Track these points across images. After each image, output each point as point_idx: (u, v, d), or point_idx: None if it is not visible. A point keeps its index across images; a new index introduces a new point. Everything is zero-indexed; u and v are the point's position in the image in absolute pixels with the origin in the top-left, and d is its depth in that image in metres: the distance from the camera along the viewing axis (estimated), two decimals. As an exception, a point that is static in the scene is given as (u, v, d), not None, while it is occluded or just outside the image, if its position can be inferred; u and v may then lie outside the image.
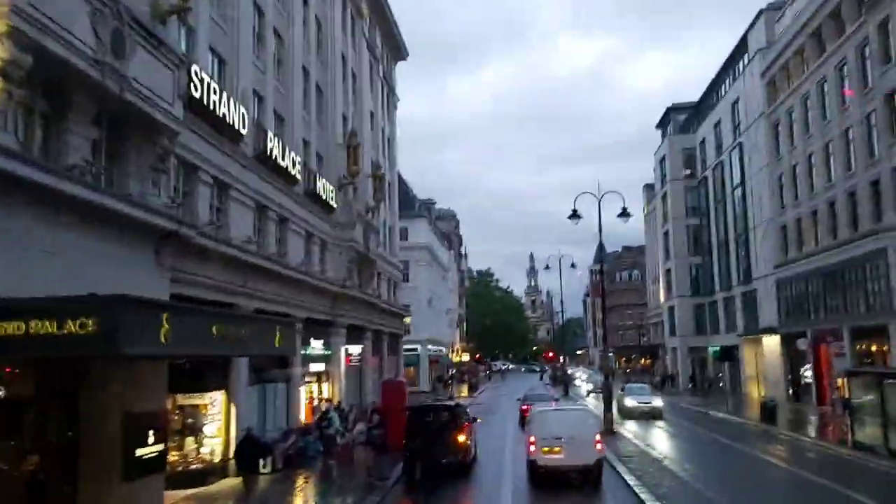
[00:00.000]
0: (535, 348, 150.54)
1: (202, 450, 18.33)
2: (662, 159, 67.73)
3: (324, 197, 27.86)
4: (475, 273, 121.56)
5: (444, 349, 69.88)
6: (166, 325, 9.29)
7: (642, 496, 16.02)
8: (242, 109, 19.90)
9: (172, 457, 17.24)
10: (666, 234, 66.55)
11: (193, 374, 17.53)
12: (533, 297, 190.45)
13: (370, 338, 34.61)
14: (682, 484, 17.62)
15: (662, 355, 72.69)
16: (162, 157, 14.15)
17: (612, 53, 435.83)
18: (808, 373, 39.29)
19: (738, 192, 51.43)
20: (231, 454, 17.49)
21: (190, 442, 18.13)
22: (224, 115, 18.58)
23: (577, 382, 68.01)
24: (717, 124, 56.42)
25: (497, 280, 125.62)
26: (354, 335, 31.66)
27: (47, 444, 11.71)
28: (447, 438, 18.98)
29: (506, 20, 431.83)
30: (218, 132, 18.77)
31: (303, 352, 24.81)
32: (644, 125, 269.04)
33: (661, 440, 26.92)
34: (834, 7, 35.41)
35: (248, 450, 15.97)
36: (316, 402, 26.66)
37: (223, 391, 18.85)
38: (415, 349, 56.71)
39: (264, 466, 18.13)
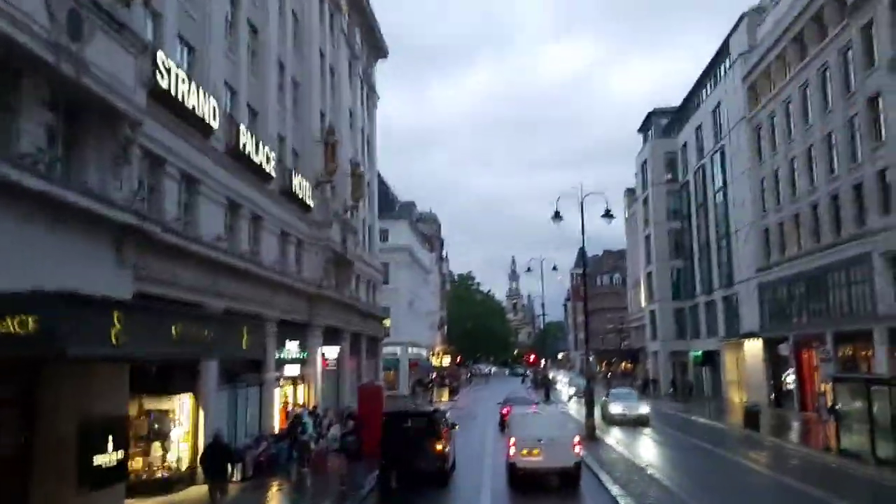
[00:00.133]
0: (516, 352, 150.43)
1: (169, 456, 17.54)
2: (644, 163, 67.65)
3: (300, 195, 27.08)
4: (456, 276, 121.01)
5: (424, 352, 69.17)
6: (118, 325, 8.76)
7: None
8: (213, 101, 19.13)
9: (137, 463, 16.57)
10: (647, 237, 66.40)
11: (160, 377, 16.79)
12: (514, 301, 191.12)
13: (348, 340, 33.88)
14: (668, 493, 17.00)
15: (644, 360, 72.47)
16: (124, 148, 13.37)
17: (598, 59, 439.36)
18: (790, 378, 39.05)
19: (720, 195, 51.37)
20: (199, 461, 16.68)
21: (156, 447, 17.34)
22: (193, 106, 17.80)
23: (559, 387, 67.53)
24: (699, 128, 56.35)
25: (478, 283, 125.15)
26: (332, 337, 30.91)
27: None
28: (425, 446, 18.36)
29: (492, 26, 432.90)
30: (186, 124, 17.98)
31: (277, 354, 24.12)
32: (628, 130, 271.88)
33: (645, 447, 26.43)
34: (816, 11, 35.34)
35: (216, 456, 15.13)
36: (290, 408, 25.88)
37: (191, 394, 18.10)
38: (395, 352, 55.99)
39: (234, 474, 17.44)
